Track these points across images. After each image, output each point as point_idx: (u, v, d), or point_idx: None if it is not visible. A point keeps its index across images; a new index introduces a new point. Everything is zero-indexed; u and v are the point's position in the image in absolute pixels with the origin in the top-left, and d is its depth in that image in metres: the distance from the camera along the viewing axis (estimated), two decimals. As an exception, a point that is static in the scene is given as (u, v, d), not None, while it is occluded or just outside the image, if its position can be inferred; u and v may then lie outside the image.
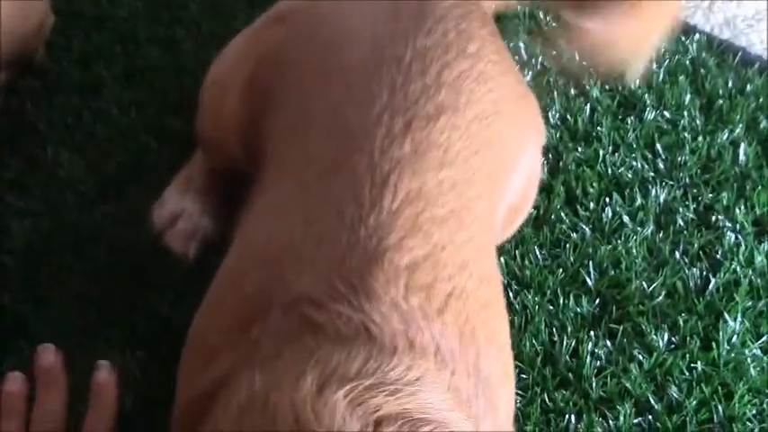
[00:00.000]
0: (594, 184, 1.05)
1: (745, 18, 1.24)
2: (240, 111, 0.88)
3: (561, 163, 1.07)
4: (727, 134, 1.11)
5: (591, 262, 0.99)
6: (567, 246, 1.00)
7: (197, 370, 0.68)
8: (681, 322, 0.95)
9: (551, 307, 0.96)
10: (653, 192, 1.05)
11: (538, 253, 1.00)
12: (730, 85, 1.15)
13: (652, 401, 0.89)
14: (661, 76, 1.16)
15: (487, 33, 0.85)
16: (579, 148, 1.09)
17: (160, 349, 0.91)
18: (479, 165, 0.75)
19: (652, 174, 1.07)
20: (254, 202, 0.80)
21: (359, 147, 0.71)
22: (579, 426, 0.88)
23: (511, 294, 0.96)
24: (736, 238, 1.02)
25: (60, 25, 1.17)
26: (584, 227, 1.02)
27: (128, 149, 1.08)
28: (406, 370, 0.59)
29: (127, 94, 1.13)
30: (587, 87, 1.14)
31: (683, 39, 1.20)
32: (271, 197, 0.77)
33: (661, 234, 1.02)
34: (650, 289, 0.97)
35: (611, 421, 0.88)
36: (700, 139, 1.10)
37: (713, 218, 1.04)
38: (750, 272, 0.99)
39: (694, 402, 0.89)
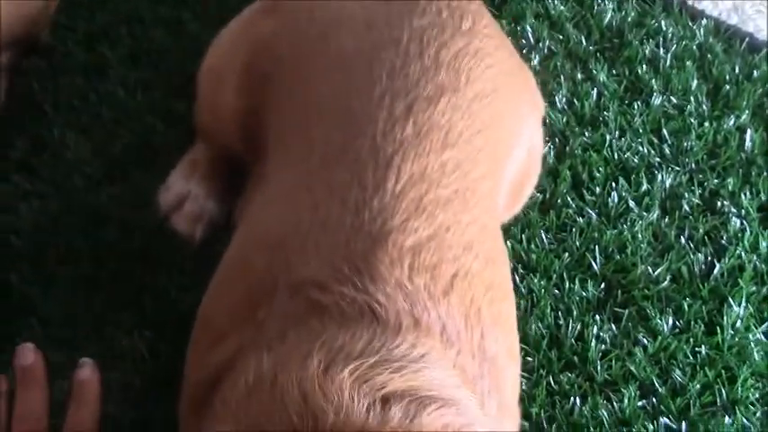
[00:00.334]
0: (601, 169, 1.06)
1: (753, 4, 1.23)
2: (237, 100, 0.88)
3: (568, 148, 1.07)
4: (733, 120, 1.11)
5: (597, 246, 0.99)
6: (573, 230, 1.01)
7: (205, 351, 0.68)
8: (685, 307, 0.95)
9: (557, 291, 0.96)
10: (659, 177, 1.05)
11: (544, 237, 1.00)
12: (737, 70, 1.15)
13: (656, 384, 0.90)
14: (668, 61, 1.16)
15: (476, 8, 0.85)
16: (586, 133, 1.09)
17: (167, 329, 0.92)
18: (482, 144, 0.75)
19: (658, 159, 1.07)
20: (256, 190, 0.81)
21: (361, 131, 0.71)
22: (584, 408, 0.89)
23: (517, 278, 0.97)
24: (742, 223, 1.02)
25: (65, 5, 1.16)
26: (590, 211, 1.02)
27: (134, 131, 1.08)
28: (411, 347, 0.60)
29: (132, 75, 1.13)
30: (594, 72, 1.14)
31: (691, 24, 1.20)
32: (274, 184, 0.77)
33: (666, 219, 1.03)
34: (655, 273, 0.98)
35: (615, 404, 0.89)
36: (706, 124, 1.10)
37: (719, 203, 1.04)
38: (755, 257, 1.00)
39: (698, 386, 0.90)
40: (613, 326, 0.94)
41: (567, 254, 0.99)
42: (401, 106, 0.72)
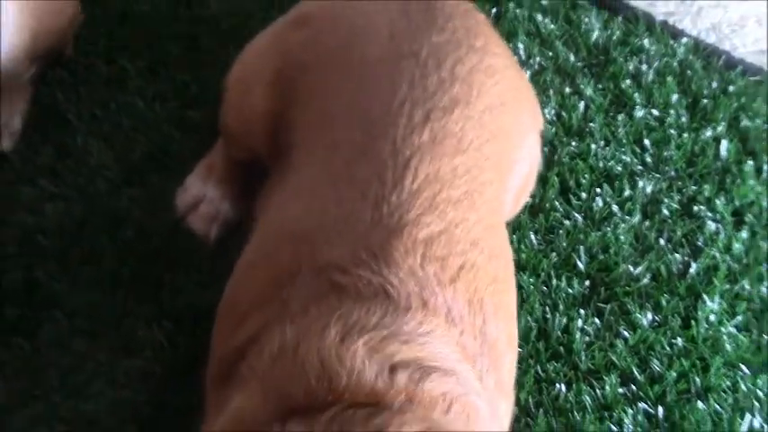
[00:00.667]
0: (586, 176, 1.13)
1: (729, 24, 1.32)
2: (265, 105, 0.95)
3: (556, 156, 1.15)
4: (710, 131, 1.19)
5: (582, 247, 1.07)
6: (561, 232, 1.08)
7: (230, 332, 0.76)
8: (663, 302, 1.03)
9: (545, 288, 1.04)
10: (640, 184, 1.13)
11: (533, 238, 1.08)
12: (714, 85, 1.23)
13: (636, 373, 0.98)
14: (650, 76, 1.24)
15: (488, 29, 0.93)
16: (573, 143, 1.16)
17: (185, 322, 0.99)
18: (489, 152, 0.82)
19: (640, 167, 1.15)
20: (278, 185, 0.88)
21: (382, 134, 0.78)
22: (569, 394, 0.96)
23: (508, 276, 1.04)
24: (716, 227, 1.10)
25: (87, 21, 1.24)
26: (576, 215, 1.10)
27: (151, 139, 1.15)
28: (419, 324, 0.67)
29: (150, 87, 1.20)
30: (581, 86, 1.22)
31: (672, 42, 1.28)
32: (299, 181, 0.84)
33: (647, 223, 1.10)
34: (636, 272, 1.05)
35: (598, 390, 0.96)
36: (685, 135, 1.18)
37: (695, 208, 1.12)
38: (728, 258, 1.07)
39: (674, 374, 0.98)
40: (597, 320, 1.01)
41: (554, 254, 1.06)
42: (419, 114, 0.80)
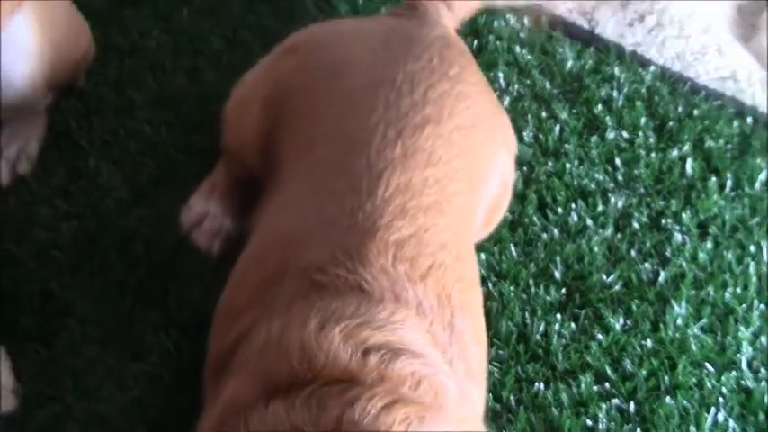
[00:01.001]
0: (562, 193, 1.22)
1: (692, 53, 1.41)
2: (258, 126, 1.04)
3: (534, 175, 1.24)
4: (676, 151, 1.28)
5: (558, 258, 1.15)
6: (539, 244, 1.16)
7: (225, 328, 0.83)
8: (634, 308, 1.11)
9: (524, 295, 1.12)
10: (612, 200, 1.22)
11: (513, 250, 1.16)
12: (680, 109, 1.33)
13: (609, 372, 1.05)
14: (621, 101, 1.33)
15: (465, 60, 1.02)
16: (550, 163, 1.25)
17: (190, 329, 1.06)
18: (459, 166, 0.91)
19: (612, 184, 1.24)
20: (269, 200, 0.96)
21: (358, 151, 0.87)
22: (547, 392, 1.03)
23: (490, 285, 1.12)
24: (683, 238, 1.18)
25: (98, 55, 1.33)
26: (553, 229, 1.18)
27: (158, 162, 1.23)
28: (390, 313, 0.75)
29: (157, 115, 1.28)
30: (557, 111, 1.31)
31: (640, 70, 1.38)
32: (286, 195, 0.93)
33: (619, 235, 1.19)
34: (609, 280, 1.13)
35: (574, 389, 1.04)
36: (653, 155, 1.27)
37: (663, 222, 1.20)
38: (694, 266, 1.15)
39: (644, 373, 1.05)
40: (572, 324, 1.09)
41: (533, 264, 1.14)
42: (392, 132, 0.88)
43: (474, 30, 1.41)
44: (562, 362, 1.06)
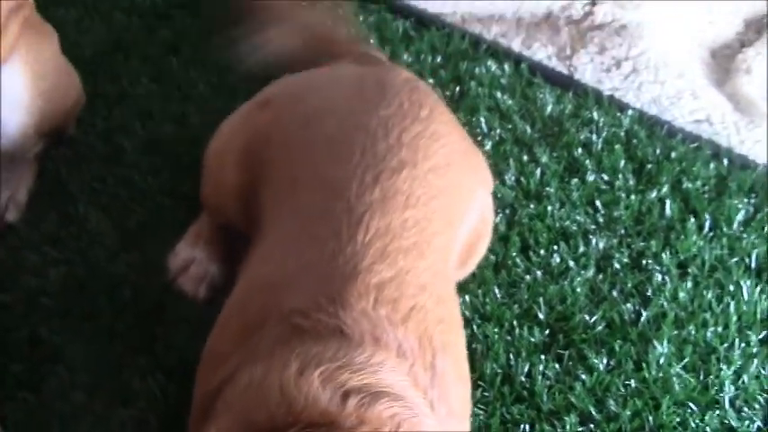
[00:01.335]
0: (544, 235, 1.24)
1: (668, 97, 1.46)
2: (236, 178, 1.07)
3: (516, 217, 1.26)
4: (655, 193, 1.31)
5: (542, 299, 1.17)
6: (522, 286, 1.18)
7: (210, 374, 0.84)
8: (617, 348, 1.12)
9: (509, 337, 1.13)
10: (593, 241, 1.24)
11: (497, 292, 1.17)
12: (658, 152, 1.36)
13: (593, 413, 1.06)
14: (600, 145, 1.36)
15: (433, 100, 1.05)
16: (532, 205, 1.28)
17: (177, 374, 1.07)
18: (437, 207, 0.93)
19: (593, 226, 1.26)
20: (253, 251, 0.98)
21: (338, 196, 0.89)
22: (532, 433, 1.04)
23: (475, 326, 1.14)
24: (663, 278, 1.20)
25: (87, 104, 1.35)
26: (536, 270, 1.20)
27: (146, 208, 1.25)
28: (370, 356, 0.76)
29: (145, 161, 1.31)
30: (538, 154, 1.34)
31: (619, 114, 1.42)
32: (268, 243, 0.95)
33: (600, 276, 1.21)
34: (592, 321, 1.15)
35: (559, 430, 1.05)
36: (632, 197, 1.30)
37: (644, 262, 1.22)
38: (675, 306, 1.17)
39: (629, 413, 1.06)
40: (557, 365, 1.10)
41: (516, 305, 1.16)
42: (370, 176, 0.91)
43: (456, 76, 1.45)
44: (547, 403, 1.07)
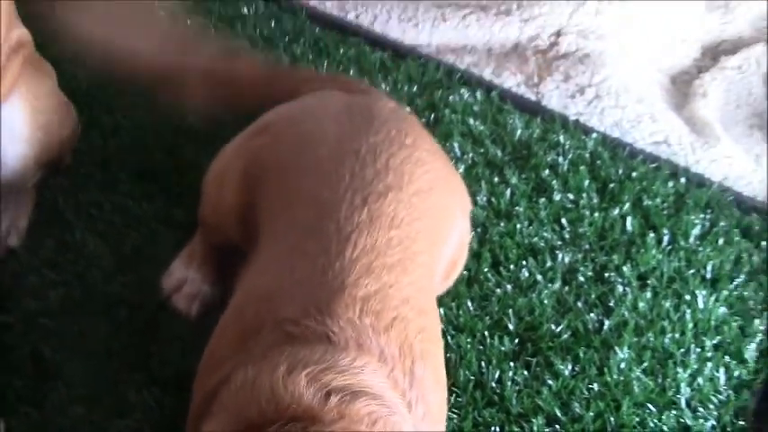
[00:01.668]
0: (514, 251, 1.32)
1: (629, 120, 1.55)
2: (235, 199, 1.14)
3: (488, 235, 1.34)
4: (617, 210, 1.39)
5: (511, 311, 1.24)
6: (493, 299, 1.26)
7: (208, 377, 0.91)
8: (581, 354, 1.20)
9: (481, 346, 1.21)
10: (560, 256, 1.32)
11: (470, 305, 1.25)
12: (620, 172, 1.45)
13: (559, 415, 1.14)
14: (566, 166, 1.45)
15: (417, 129, 1.14)
16: (502, 224, 1.36)
17: (171, 387, 1.14)
18: (421, 228, 1.01)
19: (559, 242, 1.34)
20: (250, 265, 1.06)
21: (329, 216, 0.97)
22: (503, 435, 1.12)
23: (449, 337, 1.21)
24: (625, 289, 1.29)
25: (83, 135, 1.42)
26: (506, 284, 1.28)
27: (141, 233, 1.32)
28: (353, 360, 0.83)
29: (139, 189, 1.37)
30: (508, 176, 1.43)
31: (584, 137, 1.51)
32: (264, 257, 1.02)
33: (566, 288, 1.29)
34: (558, 330, 1.23)
35: (527, 431, 1.12)
36: (596, 214, 1.38)
37: (607, 275, 1.30)
38: (635, 315, 1.25)
39: (592, 414, 1.14)
40: (525, 371, 1.18)
41: (488, 317, 1.24)
42: (359, 198, 0.98)
43: (431, 104, 1.54)
44: (516, 406, 1.14)
